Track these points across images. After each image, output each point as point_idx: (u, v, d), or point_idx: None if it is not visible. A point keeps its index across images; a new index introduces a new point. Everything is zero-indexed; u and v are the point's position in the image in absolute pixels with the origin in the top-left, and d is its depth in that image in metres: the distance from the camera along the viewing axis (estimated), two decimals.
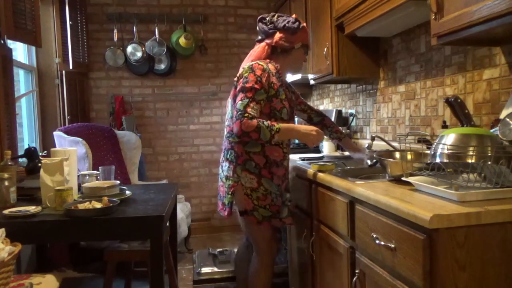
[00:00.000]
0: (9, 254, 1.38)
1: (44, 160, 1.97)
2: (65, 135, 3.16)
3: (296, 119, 2.49)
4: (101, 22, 4.19)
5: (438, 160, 1.38)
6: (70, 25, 3.61)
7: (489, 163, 1.28)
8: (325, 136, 2.28)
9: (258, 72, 1.97)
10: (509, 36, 1.50)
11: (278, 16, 2.11)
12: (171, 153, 4.40)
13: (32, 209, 1.81)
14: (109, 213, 1.80)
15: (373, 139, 2.11)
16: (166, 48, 4.13)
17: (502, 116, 1.49)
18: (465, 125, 1.54)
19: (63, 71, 3.56)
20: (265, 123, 1.90)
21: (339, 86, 3.43)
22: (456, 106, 1.56)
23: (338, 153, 2.95)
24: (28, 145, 2.54)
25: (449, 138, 1.39)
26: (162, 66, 4.28)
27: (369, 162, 2.09)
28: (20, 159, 2.58)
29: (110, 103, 4.20)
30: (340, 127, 2.43)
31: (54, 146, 3.11)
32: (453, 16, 1.44)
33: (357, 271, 1.58)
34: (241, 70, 2.06)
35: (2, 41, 2.45)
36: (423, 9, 1.75)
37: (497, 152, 1.31)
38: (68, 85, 3.63)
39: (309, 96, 4.18)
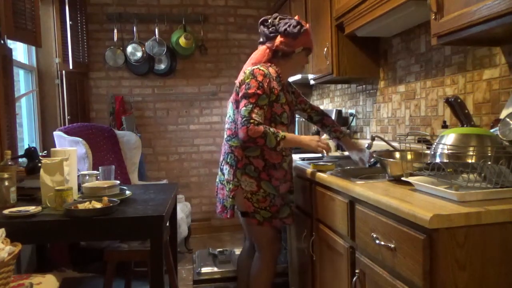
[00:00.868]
0: (9, 254, 1.38)
1: (44, 160, 1.97)
2: (65, 135, 3.16)
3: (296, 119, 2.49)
4: (101, 22, 4.19)
5: (438, 160, 1.38)
6: (70, 25, 3.61)
7: (489, 163, 1.28)
8: (325, 135, 2.28)
9: (260, 78, 1.97)
10: (509, 36, 1.50)
11: (280, 19, 2.10)
12: (171, 153, 4.40)
13: (32, 209, 1.81)
14: (109, 213, 1.80)
15: (373, 139, 2.11)
16: (166, 48, 4.13)
17: (502, 116, 1.49)
18: (465, 125, 1.54)
19: (63, 71, 3.56)
20: (271, 129, 1.92)
21: (339, 86, 3.43)
22: (456, 106, 1.56)
23: (338, 153, 2.95)
24: (28, 145, 2.54)
25: (449, 138, 1.39)
26: (162, 66, 4.28)
27: (368, 162, 2.09)
28: (20, 159, 2.58)
29: (110, 103, 4.20)
30: (340, 127, 2.43)
31: (54, 146, 3.11)
32: (453, 16, 1.44)
33: (357, 271, 1.58)
34: (242, 75, 2.06)
35: (2, 41, 2.45)
36: (423, 9, 1.75)
37: (497, 152, 1.31)
38: (68, 85, 3.63)
39: (309, 96, 4.18)
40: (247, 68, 2.09)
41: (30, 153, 2.38)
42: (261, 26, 2.14)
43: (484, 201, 1.21)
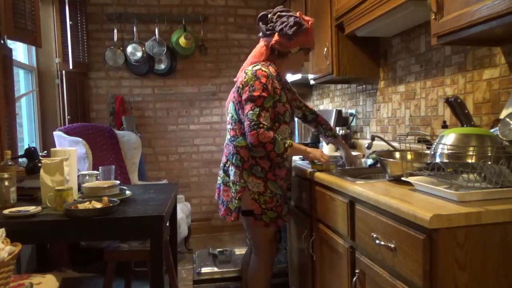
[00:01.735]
0: (9, 254, 1.38)
1: (44, 160, 1.97)
2: (65, 135, 3.16)
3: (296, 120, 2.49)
4: (101, 22, 4.19)
5: (438, 160, 1.38)
6: (70, 25, 3.61)
7: (489, 163, 1.28)
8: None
9: (263, 80, 1.96)
10: (509, 36, 1.50)
11: (278, 16, 2.05)
12: (171, 153, 4.40)
13: (32, 209, 1.81)
14: (109, 213, 1.80)
15: (373, 139, 2.11)
16: (166, 48, 4.13)
17: (502, 116, 1.49)
18: (465, 125, 1.54)
19: (63, 71, 3.56)
20: (279, 136, 1.95)
21: (339, 86, 3.43)
22: (456, 106, 1.56)
23: (338, 153, 2.95)
24: (28, 145, 2.54)
25: (449, 138, 1.39)
26: (162, 66, 4.28)
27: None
28: (20, 159, 2.58)
29: (110, 103, 4.20)
30: (338, 127, 2.42)
31: (54, 146, 3.11)
32: (453, 16, 1.44)
33: (357, 271, 1.58)
34: (243, 75, 2.03)
35: (2, 41, 2.45)
36: (423, 9, 1.75)
37: (497, 152, 1.31)
38: (68, 85, 3.63)
39: (309, 96, 4.18)
40: (247, 67, 2.08)
41: (30, 153, 2.38)
42: (260, 22, 2.11)
43: (484, 201, 1.21)
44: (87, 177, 2.22)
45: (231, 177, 2.08)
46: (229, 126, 2.13)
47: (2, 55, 2.44)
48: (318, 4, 2.89)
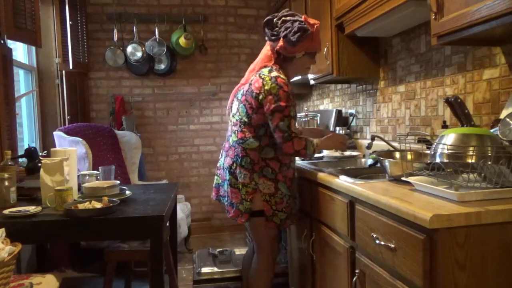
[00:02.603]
0: (9, 254, 1.38)
1: (44, 160, 1.97)
2: (65, 135, 3.16)
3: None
4: (101, 22, 4.19)
5: (438, 160, 1.38)
6: (70, 25, 3.61)
7: (489, 163, 1.28)
8: None
9: (286, 88, 1.98)
10: (509, 36, 1.50)
11: (283, 21, 2.05)
12: (171, 153, 4.40)
13: (32, 209, 1.81)
14: (109, 213, 1.80)
15: (373, 139, 2.11)
16: (166, 48, 4.13)
17: (502, 116, 1.49)
18: (465, 125, 1.54)
19: (63, 71, 3.56)
20: (309, 139, 2.02)
21: (339, 86, 3.43)
22: (456, 106, 1.56)
23: (338, 153, 2.95)
24: (28, 145, 2.54)
25: (449, 138, 1.39)
26: (162, 66, 4.28)
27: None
28: (20, 159, 2.58)
29: (110, 103, 4.20)
30: (338, 127, 2.43)
31: (54, 146, 3.11)
32: (453, 16, 1.44)
33: (357, 271, 1.58)
34: (260, 81, 2.00)
35: (2, 41, 2.45)
36: (423, 9, 1.75)
37: (497, 152, 1.31)
38: (68, 85, 3.63)
39: (309, 96, 4.18)
40: (257, 69, 2.08)
41: (30, 153, 2.39)
42: (265, 28, 2.11)
43: (484, 201, 1.21)
44: (87, 177, 2.22)
45: (240, 179, 2.06)
46: (235, 128, 2.10)
47: (2, 55, 2.44)
48: (318, 4, 2.89)
